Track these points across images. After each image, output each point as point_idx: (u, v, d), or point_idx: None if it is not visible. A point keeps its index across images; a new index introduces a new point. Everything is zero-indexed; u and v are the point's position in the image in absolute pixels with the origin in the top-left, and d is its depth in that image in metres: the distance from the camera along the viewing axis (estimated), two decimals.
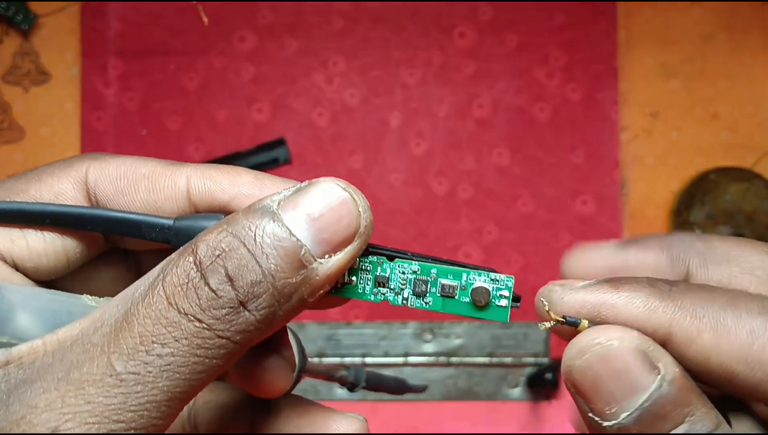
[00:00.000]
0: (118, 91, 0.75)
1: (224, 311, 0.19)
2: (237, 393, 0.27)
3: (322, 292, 0.21)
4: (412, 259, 0.23)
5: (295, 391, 0.27)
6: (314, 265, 0.20)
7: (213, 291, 0.19)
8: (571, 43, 0.75)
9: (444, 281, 0.24)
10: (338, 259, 0.21)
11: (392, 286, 0.24)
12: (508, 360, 0.73)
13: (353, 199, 0.21)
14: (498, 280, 0.23)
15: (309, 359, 0.44)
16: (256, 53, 0.75)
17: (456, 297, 0.24)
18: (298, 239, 0.20)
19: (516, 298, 0.24)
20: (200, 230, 0.22)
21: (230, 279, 0.19)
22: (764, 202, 0.72)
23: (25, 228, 0.23)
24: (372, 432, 0.27)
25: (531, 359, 0.73)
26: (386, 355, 0.73)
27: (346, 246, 0.21)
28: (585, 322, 0.22)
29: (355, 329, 0.74)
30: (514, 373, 0.74)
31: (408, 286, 0.24)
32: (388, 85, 0.75)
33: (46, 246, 0.23)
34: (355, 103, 0.75)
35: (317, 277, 0.20)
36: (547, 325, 0.23)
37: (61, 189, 0.24)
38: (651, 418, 0.20)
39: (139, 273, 0.26)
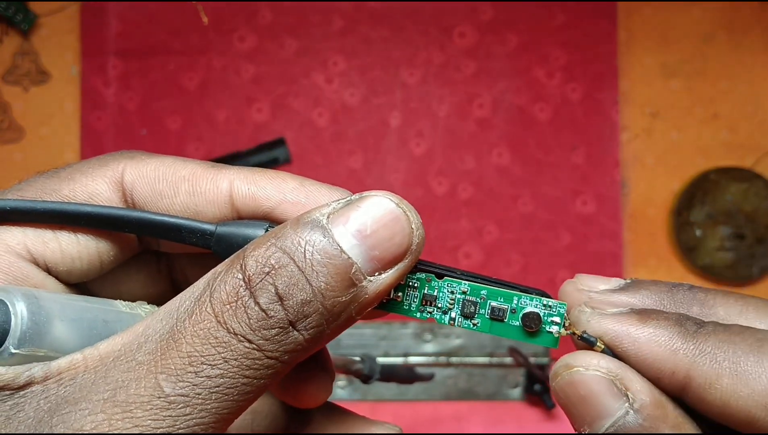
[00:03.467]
0: (117, 90, 0.75)
1: (274, 332, 0.19)
2: (273, 399, 0.26)
3: (370, 308, 0.20)
4: (462, 279, 0.23)
5: None
6: (364, 283, 0.19)
7: (263, 311, 0.19)
8: (571, 43, 0.75)
9: (494, 304, 0.23)
10: (388, 276, 0.20)
11: (440, 305, 0.23)
12: (508, 360, 0.73)
13: (406, 215, 0.20)
14: (551, 307, 0.23)
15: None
16: (255, 53, 0.75)
17: (506, 320, 0.23)
18: (349, 257, 0.19)
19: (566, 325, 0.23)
20: (244, 239, 0.21)
21: (280, 298, 0.19)
22: (764, 202, 0.72)
23: (59, 229, 0.22)
24: (372, 432, 0.26)
25: (531, 359, 0.73)
26: (386, 355, 0.73)
27: (396, 263, 0.20)
28: (600, 345, 0.21)
29: (355, 329, 0.74)
30: (514, 373, 0.74)
31: (456, 306, 0.23)
32: (388, 85, 0.75)
33: (79, 248, 0.23)
34: (355, 102, 0.75)
35: (366, 296, 0.20)
36: (564, 332, 0.22)
37: (96, 189, 0.23)
38: None
39: (171, 275, 0.25)
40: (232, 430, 0.26)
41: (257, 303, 0.18)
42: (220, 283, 0.19)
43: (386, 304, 0.22)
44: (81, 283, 0.24)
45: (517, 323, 0.23)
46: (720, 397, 0.19)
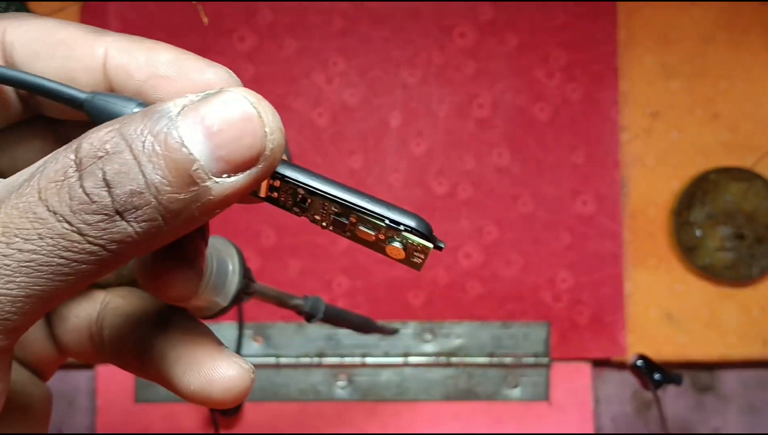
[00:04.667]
0: None
1: (97, 217, 0.18)
2: (145, 304, 0.25)
3: (218, 211, 0.19)
4: (332, 198, 0.22)
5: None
6: (208, 183, 0.18)
7: (87, 194, 0.18)
8: (571, 43, 0.75)
9: (362, 230, 0.23)
10: (236, 180, 0.19)
11: (313, 213, 0.23)
12: (508, 360, 0.73)
13: (260, 116, 0.19)
14: (417, 247, 0.22)
15: (256, 289, 0.42)
16: (255, 53, 0.75)
17: (374, 242, 0.23)
18: (191, 153, 0.18)
19: (438, 248, 0.23)
20: (113, 113, 0.20)
21: (108, 184, 0.18)
22: (764, 202, 0.72)
23: None
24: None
25: (531, 359, 0.73)
26: (386, 355, 0.73)
27: (248, 168, 0.19)
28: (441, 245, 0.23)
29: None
30: (514, 373, 0.74)
31: (328, 219, 0.23)
32: (388, 85, 0.75)
33: None
34: (355, 103, 0.75)
35: (210, 197, 0.18)
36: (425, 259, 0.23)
37: None
38: None
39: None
40: (103, 328, 0.25)
41: (82, 186, 0.18)
42: (51, 161, 0.18)
43: (264, 198, 0.22)
44: None
45: (384, 246, 0.23)
46: None
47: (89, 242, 0.18)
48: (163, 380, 0.24)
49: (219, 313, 0.39)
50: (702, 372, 0.76)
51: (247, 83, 0.77)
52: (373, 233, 0.23)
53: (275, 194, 0.22)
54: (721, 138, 0.75)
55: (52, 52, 0.22)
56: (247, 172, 0.19)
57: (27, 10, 0.74)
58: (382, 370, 0.74)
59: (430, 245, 0.22)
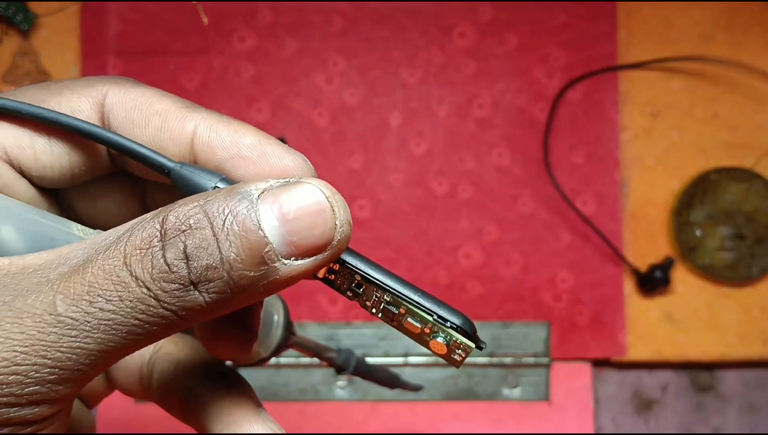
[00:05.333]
0: None
1: (173, 286, 0.19)
2: (195, 354, 0.27)
3: (281, 289, 0.21)
4: (385, 289, 0.23)
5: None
6: (276, 264, 0.20)
7: (167, 264, 0.19)
8: (571, 43, 0.75)
9: (410, 322, 0.24)
10: (303, 264, 0.20)
11: (365, 299, 0.24)
12: (508, 360, 0.73)
13: (332, 210, 0.20)
14: (460, 345, 0.24)
15: (296, 341, 0.43)
16: (256, 53, 0.75)
17: (419, 334, 0.24)
18: (265, 235, 0.20)
19: (479, 348, 0.25)
20: (194, 186, 0.22)
21: (187, 257, 0.19)
22: (764, 202, 0.72)
23: (36, 136, 0.23)
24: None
25: (531, 359, 0.73)
26: (386, 355, 0.73)
27: (315, 254, 0.20)
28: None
29: (355, 329, 0.74)
30: (514, 373, 0.74)
31: (379, 307, 0.24)
32: (388, 85, 0.75)
33: (52, 158, 0.24)
34: (355, 103, 0.75)
35: (277, 277, 0.20)
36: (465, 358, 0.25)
37: (79, 106, 0.24)
38: None
39: (143, 199, 0.27)
40: (153, 371, 0.27)
41: (164, 256, 0.19)
42: (139, 228, 0.20)
43: (321, 279, 0.24)
44: (55, 192, 0.25)
45: (428, 340, 0.24)
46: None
47: (163, 308, 0.19)
48: (201, 430, 0.26)
49: (258, 363, 0.41)
50: (702, 372, 0.76)
51: (247, 83, 0.77)
52: (419, 326, 0.24)
53: (332, 276, 0.23)
54: (721, 138, 0.75)
55: (147, 121, 0.24)
56: (314, 257, 0.20)
57: (27, 10, 0.74)
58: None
59: (473, 345, 0.24)
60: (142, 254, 0.19)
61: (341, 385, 0.74)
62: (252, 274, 0.20)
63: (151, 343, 0.20)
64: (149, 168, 0.23)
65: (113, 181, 0.26)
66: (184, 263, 0.19)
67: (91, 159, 0.25)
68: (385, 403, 0.74)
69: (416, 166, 0.74)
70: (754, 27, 0.75)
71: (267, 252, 0.20)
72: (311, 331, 0.73)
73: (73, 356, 0.19)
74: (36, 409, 0.20)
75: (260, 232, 0.19)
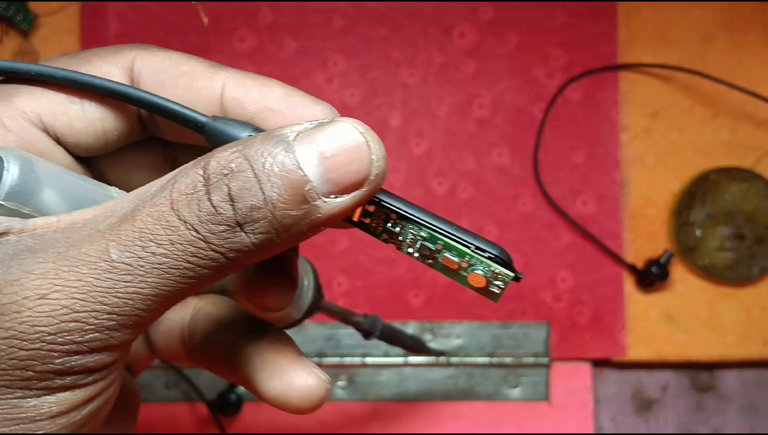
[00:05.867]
0: None
1: (221, 228, 0.20)
2: (234, 313, 0.28)
3: (323, 228, 0.21)
4: (422, 224, 0.24)
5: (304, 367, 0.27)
6: (317, 202, 0.20)
7: (214, 207, 0.20)
8: (571, 43, 0.75)
9: (447, 256, 0.24)
10: (343, 200, 0.21)
11: (401, 240, 0.24)
12: (508, 360, 0.73)
13: (368, 145, 0.21)
14: (497, 274, 0.24)
15: (324, 305, 0.44)
16: (256, 53, 0.75)
17: (456, 271, 0.24)
18: (305, 174, 0.20)
19: (516, 278, 0.25)
20: (229, 137, 0.23)
21: (231, 199, 0.20)
22: (764, 202, 0.72)
23: (70, 104, 0.24)
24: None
25: (531, 359, 0.73)
26: (386, 355, 0.73)
27: (353, 190, 0.21)
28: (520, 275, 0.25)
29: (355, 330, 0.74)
30: (514, 373, 0.74)
31: (415, 246, 0.24)
32: (388, 85, 0.75)
33: (86, 124, 0.24)
34: (355, 102, 0.75)
35: (319, 215, 0.21)
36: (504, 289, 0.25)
37: (109, 72, 0.25)
38: None
39: (174, 165, 0.27)
40: (194, 332, 0.28)
41: (210, 199, 0.20)
42: (182, 175, 0.20)
43: (356, 223, 0.24)
44: (89, 159, 0.26)
45: (465, 274, 0.24)
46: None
47: (212, 250, 0.20)
48: (247, 384, 0.26)
49: (291, 326, 0.42)
50: (702, 372, 0.76)
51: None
52: (457, 260, 0.24)
53: (367, 220, 0.24)
54: (721, 138, 0.75)
55: (175, 82, 0.25)
56: (353, 193, 0.21)
57: (27, 10, 0.74)
58: (382, 370, 0.74)
59: (511, 274, 0.24)
60: (189, 199, 0.20)
61: (341, 385, 0.74)
62: (294, 212, 0.20)
63: (202, 288, 0.21)
64: (183, 125, 0.23)
65: (144, 148, 0.27)
66: (230, 205, 0.20)
67: (123, 124, 0.25)
68: (385, 403, 0.74)
69: (416, 166, 0.74)
70: (754, 27, 0.75)
71: (308, 190, 0.20)
72: (312, 331, 0.73)
73: (130, 301, 0.20)
74: (96, 357, 0.20)
75: (299, 170, 0.20)
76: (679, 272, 0.74)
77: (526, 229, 0.74)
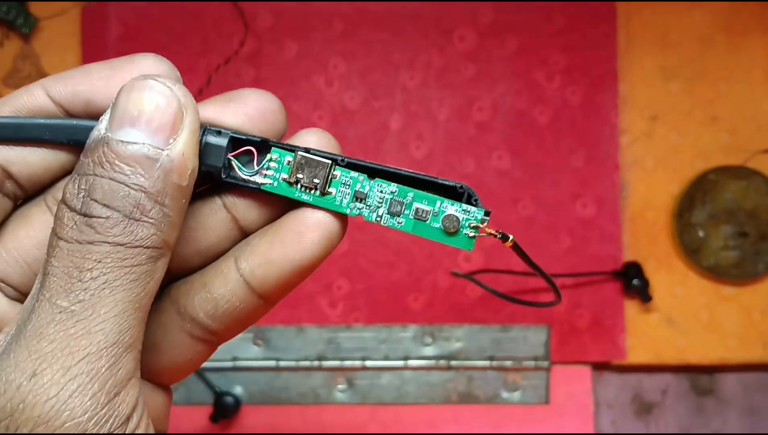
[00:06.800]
0: None
1: (120, 228, 0.20)
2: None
3: (190, 171, 0.22)
4: (390, 179, 0.24)
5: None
6: (162, 154, 0.21)
7: (100, 217, 0.20)
8: (571, 46, 0.75)
9: (418, 205, 0.24)
10: (182, 137, 0.21)
11: (369, 203, 0.24)
12: (508, 363, 0.73)
13: (156, 82, 0.22)
14: (469, 212, 0.25)
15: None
16: (256, 56, 0.75)
17: (428, 221, 0.24)
18: (135, 143, 0.21)
19: (486, 213, 0.26)
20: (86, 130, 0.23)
21: (105, 205, 0.20)
22: (765, 198, 0.72)
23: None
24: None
25: (531, 363, 0.73)
26: (386, 358, 0.73)
27: (180, 123, 0.22)
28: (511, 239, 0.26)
29: (355, 332, 0.74)
30: (514, 376, 0.74)
31: (384, 204, 0.24)
32: (388, 88, 0.75)
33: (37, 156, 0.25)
34: (355, 105, 0.75)
35: (174, 160, 0.21)
36: (479, 234, 0.25)
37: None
38: None
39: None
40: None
41: (91, 216, 0.20)
42: (55, 231, 0.21)
43: (320, 199, 0.24)
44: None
45: (438, 225, 0.25)
46: None
47: (132, 247, 0.21)
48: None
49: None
50: (702, 375, 0.76)
51: (247, 86, 0.77)
52: (429, 208, 0.24)
53: (332, 192, 0.24)
54: (721, 141, 0.75)
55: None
56: (183, 125, 0.22)
57: (27, 13, 0.74)
58: (382, 374, 0.74)
59: (482, 210, 0.25)
60: (77, 228, 0.20)
61: (341, 389, 0.74)
62: (157, 175, 0.21)
63: (161, 273, 0.22)
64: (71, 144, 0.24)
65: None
66: (108, 209, 0.20)
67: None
68: (385, 407, 0.74)
69: (416, 169, 0.74)
70: (754, 29, 0.76)
71: (148, 152, 0.21)
72: (312, 335, 0.73)
73: (114, 326, 0.20)
74: (129, 396, 0.21)
75: (130, 145, 0.21)
76: (679, 275, 0.74)
77: (527, 232, 0.74)
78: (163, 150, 0.21)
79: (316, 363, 0.73)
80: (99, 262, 0.20)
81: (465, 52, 0.76)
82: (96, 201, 0.20)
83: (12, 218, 0.25)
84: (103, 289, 0.20)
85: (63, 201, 0.21)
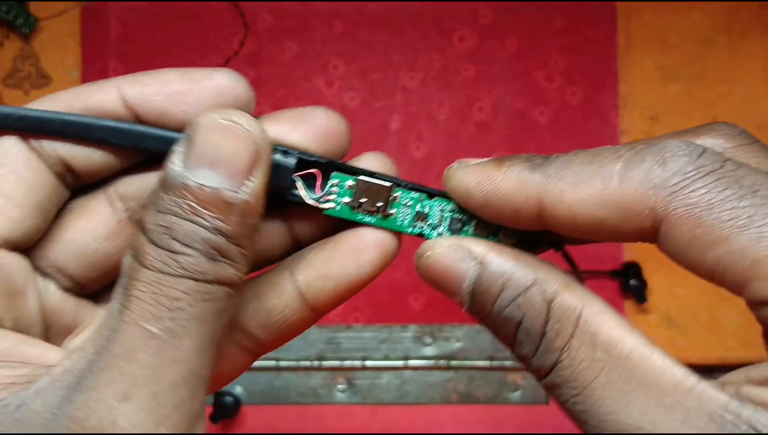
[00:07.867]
0: None
1: (202, 266, 0.21)
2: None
3: (261, 209, 0.22)
4: (449, 198, 0.25)
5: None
6: (239, 196, 0.21)
7: (186, 254, 0.20)
8: (571, 47, 0.75)
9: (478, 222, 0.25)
10: (255, 179, 0.21)
11: (430, 222, 0.25)
12: (508, 363, 0.73)
13: (235, 123, 0.22)
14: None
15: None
16: (256, 56, 0.75)
17: (488, 237, 0.25)
18: (213, 187, 0.21)
19: (558, 246, 0.26)
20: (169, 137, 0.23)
21: (186, 245, 0.20)
22: None
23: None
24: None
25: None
26: (386, 358, 0.73)
27: (254, 166, 0.21)
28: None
29: (355, 332, 0.74)
30: (514, 376, 0.74)
31: (444, 222, 0.25)
32: (388, 89, 0.75)
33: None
34: (356, 106, 0.75)
35: (249, 202, 0.21)
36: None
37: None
38: (482, 297, 0.23)
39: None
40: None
41: (173, 251, 0.21)
42: (140, 254, 0.21)
43: (383, 221, 0.25)
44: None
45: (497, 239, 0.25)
46: (567, 208, 0.21)
47: (213, 282, 0.21)
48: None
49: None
50: (702, 374, 0.76)
51: None
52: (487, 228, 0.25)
53: (393, 212, 0.25)
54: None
55: (69, 105, 0.24)
56: (257, 168, 0.21)
57: (27, 11, 0.74)
58: (382, 373, 0.74)
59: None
60: (164, 261, 0.20)
61: (341, 389, 0.74)
62: (233, 218, 0.21)
63: (234, 304, 0.22)
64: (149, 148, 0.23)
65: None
66: (189, 249, 0.21)
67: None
68: (385, 407, 0.74)
69: (416, 170, 0.75)
70: (753, 31, 0.76)
71: (224, 196, 0.21)
72: (312, 335, 0.73)
73: (200, 354, 0.21)
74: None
75: (207, 189, 0.21)
76: (678, 275, 0.74)
77: None
78: (236, 192, 0.21)
79: (316, 363, 0.73)
80: (186, 294, 0.20)
81: (465, 53, 0.76)
82: (177, 240, 0.20)
83: (69, 208, 0.25)
84: (189, 320, 0.20)
85: (143, 231, 0.21)
